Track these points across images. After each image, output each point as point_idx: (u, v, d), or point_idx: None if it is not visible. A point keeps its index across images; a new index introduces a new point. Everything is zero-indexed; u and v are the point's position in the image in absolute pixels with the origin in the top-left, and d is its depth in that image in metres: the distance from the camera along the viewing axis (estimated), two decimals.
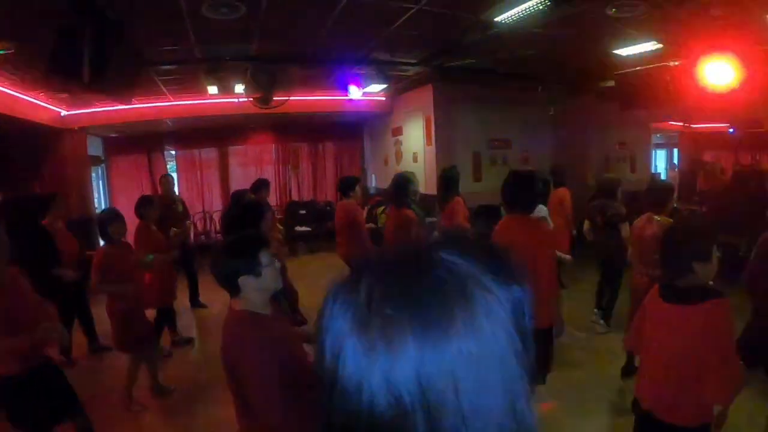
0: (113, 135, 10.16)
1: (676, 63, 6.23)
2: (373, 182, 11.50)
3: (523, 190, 3.20)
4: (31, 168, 8.19)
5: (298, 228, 10.35)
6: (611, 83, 6.87)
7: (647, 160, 10.86)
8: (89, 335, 5.52)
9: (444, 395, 0.49)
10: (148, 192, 9.27)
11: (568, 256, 5.14)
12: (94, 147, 9.75)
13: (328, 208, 10.93)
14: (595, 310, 5.59)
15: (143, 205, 5.11)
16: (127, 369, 4.29)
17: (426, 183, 8.47)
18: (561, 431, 3.44)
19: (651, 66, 6.32)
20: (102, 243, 4.55)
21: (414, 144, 9.07)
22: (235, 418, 2.05)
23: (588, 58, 6.62)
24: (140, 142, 10.35)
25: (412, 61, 6.46)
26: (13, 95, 6.58)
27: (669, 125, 11.17)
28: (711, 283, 2.21)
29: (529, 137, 9.00)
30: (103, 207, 9.52)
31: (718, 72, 6.04)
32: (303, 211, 10.78)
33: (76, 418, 3.05)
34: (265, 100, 5.83)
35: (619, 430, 3.43)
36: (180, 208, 6.84)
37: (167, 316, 5.46)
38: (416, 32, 5.36)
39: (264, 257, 1.99)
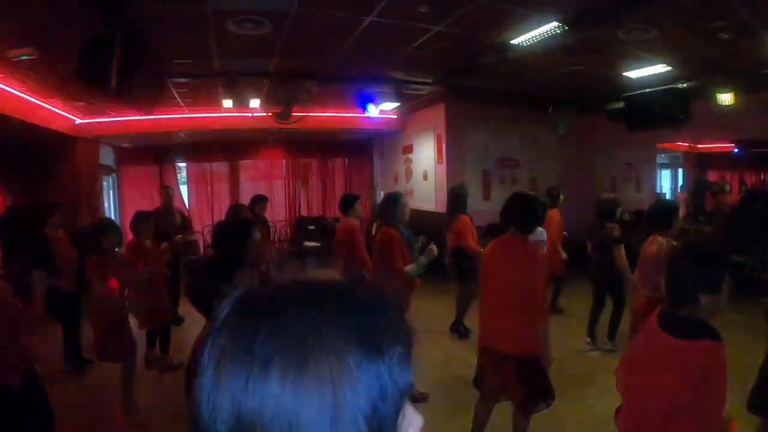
0: (125, 145, 10.26)
1: (685, 84, 6.35)
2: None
3: (525, 210, 3.10)
4: (44, 175, 8.25)
5: (307, 243, 10.39)
6: (620, 105, 6.96)
7: (653, 180, 10.95)
8: (69, 347, 5.29)
9: None
10: (158, 203, 9.32)
11: None
12: (106, 156, 9.84)
13: (336, 223, 10.95)
14: (587, 338, 5.46)
15: (139, 222, 4.98)
16: (121, 382, 4.16)
17: (436, 201, 8.56)
18: None
19: (660, 88, 6.43)
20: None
21: (424, 162, 9.16)
22: None
23: (598, 80, 6.74)
24: (152, 153, 10.47)
25: (428, 80, 6.59)
26: (29, 101, 6.64)
27: (674, 145, 11.28)
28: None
29: (537, 157, 9.11)
30: (113, 216, 9.60)
31: (727, 94, 6.22)
32: (312, 227, 10.84)
33: None
34: (284, 116, 5.91)
35: None
36: (178, 220, 6.84)
37: (160, 336, 5.30)
38: (433, 53, 5.48)
39: (239, 279, 1.87)
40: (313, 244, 10.53)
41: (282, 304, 0.53)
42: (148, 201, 9.57)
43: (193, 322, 5.34)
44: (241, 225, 3.20)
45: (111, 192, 10.42)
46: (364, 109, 6.53)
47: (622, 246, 5.02)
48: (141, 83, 4.33)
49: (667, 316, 1.90)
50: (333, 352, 0.50)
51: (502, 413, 3.34)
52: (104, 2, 3.61)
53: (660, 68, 6.03)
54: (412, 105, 8.72)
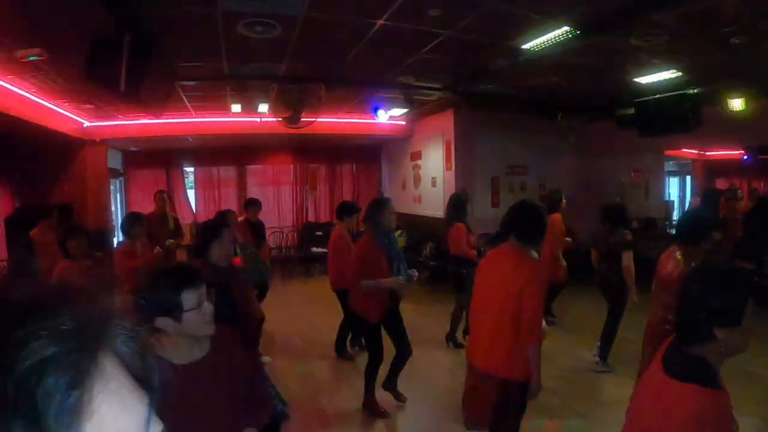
0: (133, 149, 10.30)
1: (696, 90, 6.28)
2: None
3: (529, 219, 2.86)
4: (52, 177, 8.30)
5: (314, 249, 10.35)
6: (630, 111, 6.89)
7: (661, 188, 10.86)
8: None
9: None
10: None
11: None
12: (114, 160, 9.87)
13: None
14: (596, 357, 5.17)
15: (132, 223, 4.91)
16: None
17: (444, 207, 8.50)
18: None
19: (671, 93, 6.36)
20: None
21: (433, 168, 9.12)
22: None
23: (609, 86, 6.69)
24: (159, 157, 10.50)
25: (437, 85, 6.55)
26: (38, 102, 6.66)
27: (683, 152, 11.19)
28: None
29: (546, 164, 9.05)
30: (120, 219, 9.61)
31: (737, 99, 6.16)
32: (319, 233, 10.79)
33: None
34: (293, 120, 5.89)
35: None
36: (171, 225, 6.86)
37: None
38: (443, 58, 5.45)
39: (189, 299, 1.65)
40: (320, 249, 10.47)
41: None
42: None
43: None
44: (208, 226, 3.09)
45: (118, 195, 10.45)
46: (374, 114, 6.49)
47: (632, 252, 4.93)
48: (150, 85, 4.34)
49: (671, 349, 1.60)
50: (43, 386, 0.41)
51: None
52: (113, 3, 3.58)
53: (671, 74, 5.97)
54: (420, 111, 8.70)
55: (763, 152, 10.33)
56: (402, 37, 4.77)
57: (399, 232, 9.86)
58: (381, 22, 4.35)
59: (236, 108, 7.49)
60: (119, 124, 8.60)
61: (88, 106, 7.41)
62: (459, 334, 5.72)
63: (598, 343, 5.13)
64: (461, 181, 8.23)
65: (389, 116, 7.09)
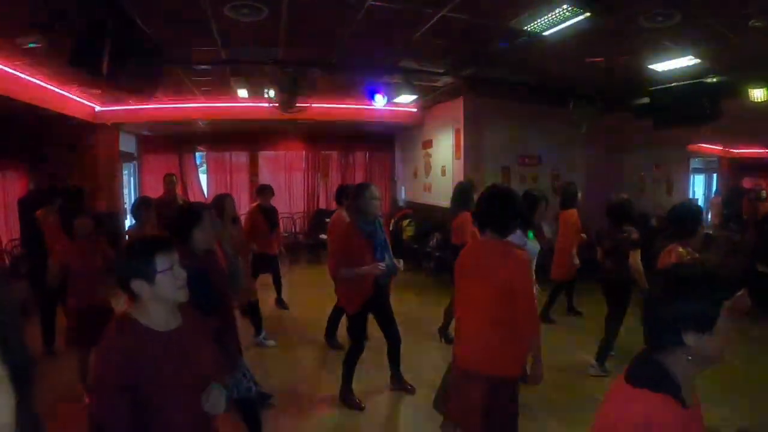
0: (145, 133, 10.43)
1: (715, 79, 5.91)
2: (402, 194, 11.39)
3: (501, 208, 2.65)
4: (64, 161, 8.45)
5: (322, 236, 10.29)
6: (646, 100, 6.53)
7: (685, 184, 10.31)
8: (44, 336, 5.32)
9: None
10: (179, 191, 9.46)
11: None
12: (128, 144, 10.01)
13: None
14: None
15: (139, 207, 4.94)
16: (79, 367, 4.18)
17: None
18: None
19: (688, 82, 6.00)
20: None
21: (443, 157, 8.93)
22: None
23: (622, 73, 6.35)
24: (172, 141, 10.61)
25: (440, 70, 6.33)
26: (49, 89, 6.79)
27: (708, 149, 10.63)
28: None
29: (560, 155, 8.75)
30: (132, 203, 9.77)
31: (759, 90, 5.75)
32: (328, 220, 10.73)
33: None
34: (287, 104, 5.81)
35: None
36: None
37: None
38: (442, 40, 5.24)
39: (161, 262, 1.79)
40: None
41: None
42: None
43: None
44: (187, 212, 3.01)
45: (132, 179, 10.60)
46: (371, 99, 6.35)
47: (639, 251, 4.65)
48: (135, 70, 4.31)
49: (639, 355, 1.43)
50: None
51: None
52: None
53: (687, 60, 5.60)
54: (431, 99, 8.50)
55: None
56: (393, 19, 4.60)
57: (407, 221, 9.73)
58: (369, 2, 4.19)
59: (243, 93, 7.46)
60: (130, 109, 8.68)
61: (96, 90, 7.49)
62: (452, 329, 5.56)
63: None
64: (470, 171, 8.01)
65: (389, 102, 6.88)
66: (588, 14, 4.15)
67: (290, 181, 11.46)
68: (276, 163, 11.55)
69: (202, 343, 1.98)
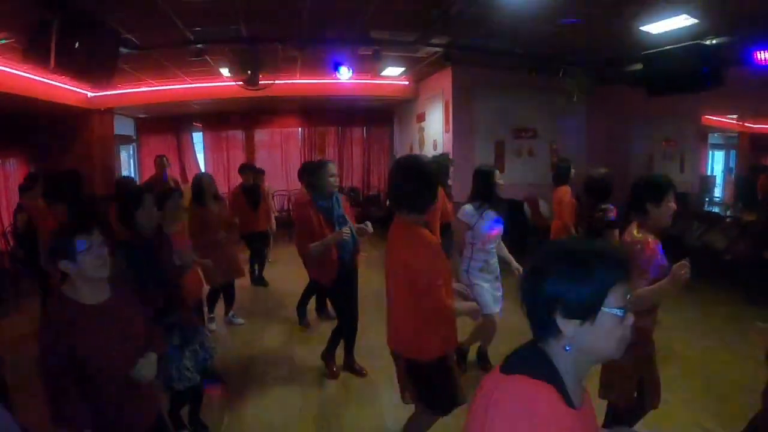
0: (142, 116, 10.48)
1: (714, 41, 5.43)
2: None
3: (404, 183, 2.43)
4: (61, 146, 8.61)
5: None
6: (638, 66, 6.07)
7: (700, 160, 9.60)
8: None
9: None
10: (175, 172, 9.56)
11: None
12: (127, 127, 10.08)
13: (352, 194, 10.77)
14: None
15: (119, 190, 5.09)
16: None
17: None
18: None
19: (684, 44, 5.51)
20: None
21: (434, 131, 8.66)
22: None
23: (611, 37, 5.92)
24: (169, 122, 10.65)
25: (410, 38, 6.00)
26: (40, 81, 6.89)
27: (727, 123, 9.90)
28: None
29: (559, 128, 8.34)
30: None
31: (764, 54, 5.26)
32: None
33: None
34: (251, 82, 5.69)
35: None
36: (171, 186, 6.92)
37: None
38: (404, 6, 4.98)
39: (81, 243, 1.95)
40: None
41: None
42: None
43: None
44: (130, 194, 3.02)
45: (131, 161, 10.69)
46: (335, 72, 6.17)
47: (617, 231, 4.34)
48: (85, 58, 4.28)
49: (522, 346, 1.21)
50: None
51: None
52: None
53: (684, 20, 5.10)
54: (419, 70, 8.19)
55: None
56: None
57: None
58: None
59: (225, 72, 7.35)
60: (123, 93, 8.71)
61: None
62: None
63: None
64: (460, 143, 7.76)
65: (376, 75, 6.64)
66: None
67: (287, 158, 11.39)
68: (272, 141, 11.49)
69: (133, 315, 2.15)
